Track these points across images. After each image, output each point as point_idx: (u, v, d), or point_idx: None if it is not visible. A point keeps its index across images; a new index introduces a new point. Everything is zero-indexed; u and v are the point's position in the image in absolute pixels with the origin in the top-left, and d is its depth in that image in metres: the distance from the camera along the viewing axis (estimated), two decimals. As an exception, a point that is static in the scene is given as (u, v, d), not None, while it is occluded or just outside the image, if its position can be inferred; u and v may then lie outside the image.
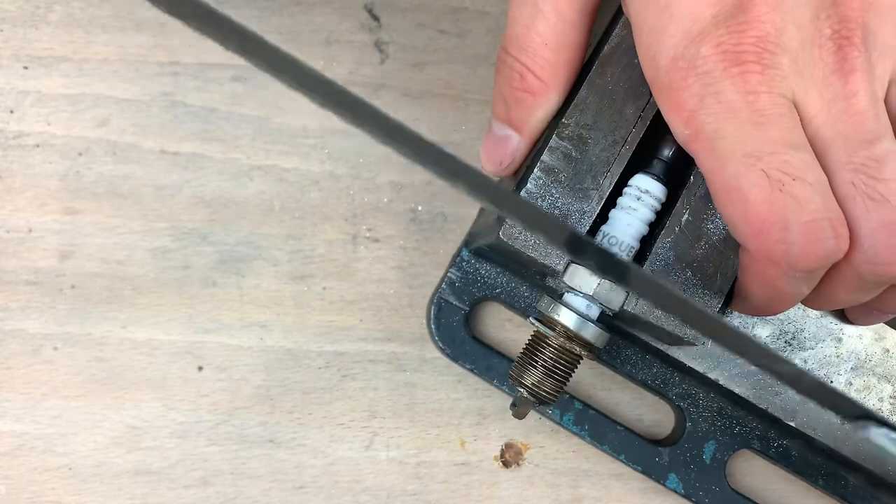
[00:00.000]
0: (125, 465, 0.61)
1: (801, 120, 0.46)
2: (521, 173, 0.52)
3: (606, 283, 0.50)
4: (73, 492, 0.61)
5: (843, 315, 0.58)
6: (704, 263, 0.51)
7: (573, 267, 0.50)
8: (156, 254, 0.62)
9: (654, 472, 0.61)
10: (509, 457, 0.63)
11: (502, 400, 0.63)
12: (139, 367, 0.62)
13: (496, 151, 0.54)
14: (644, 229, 0.51)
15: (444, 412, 0.63)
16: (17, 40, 0.62)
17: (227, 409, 0.62)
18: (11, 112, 0.61)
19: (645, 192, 0.51)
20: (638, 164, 0.52)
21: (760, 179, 0.44)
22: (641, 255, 0.51)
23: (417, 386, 0.63)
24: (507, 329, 0.63)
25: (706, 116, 0.45)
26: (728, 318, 0.57)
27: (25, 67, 0.62)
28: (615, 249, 0.51)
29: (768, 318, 0.57)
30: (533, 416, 0.62)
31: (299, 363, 0.62)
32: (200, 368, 0.62)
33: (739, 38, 0.45)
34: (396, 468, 0.62)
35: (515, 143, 0.54)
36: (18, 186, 0.61)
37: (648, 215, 0.51)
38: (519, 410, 0.53)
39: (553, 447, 0.63)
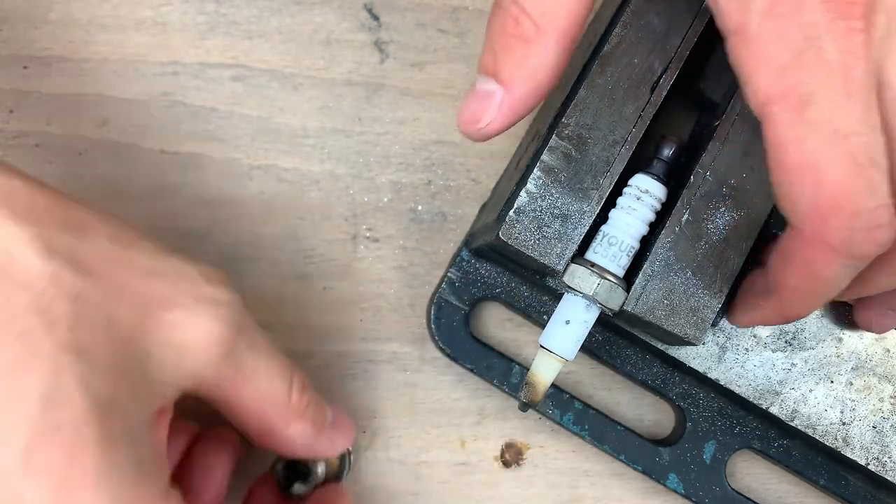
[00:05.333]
0: (125, 465, 0.61)
1: (881, 86, 0.43)
2: (523, 173, 0.52)
3: (606, 284, 0.50)
4: (73, 492, 0.61)
5: (847, 320, 0.57)
6: (704, 263, 0.51)
7: (573, 267, 0.50)
8: (156, 254, 0.62)
9: (655, 472, 0.61)
10: (509, 457, 0.63)
11: (502, 400, 0.63)
12: (139, 367, 0.61)
13: (476, 108, 0.47)
14: (644, 229, 0.51)
15: (444, 412, 0.63)
16: (17, 40, 0.62)
17: (228, 409, 0.62)
18: (11, 112, 0.61)
19: (645, 191, 0.51)
20: (638, 163, 0.52)
21: (844, 160, 0.41)
22: (641, 254, 0.51)
23: (417, 386, 0.63)
24: (508, 329, 0.63)
25: (804, 76, 0.41)
26: (724, 326, 0.57)
27: (25, 67, 0.62)
28: (615, 249, 0.51)
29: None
30: (533, 416, 0.62)
31: (299, 363, 0.62)
32: (200, 368, 0.62)
33: None
34: (396, 468, 0.62)
35: (499, 100, 0.47)
36: (18, 186, 0.61)
37: (648, 215, 0.51)
38: (529, 392, 0.53)
39: (553, 447, 0.63)
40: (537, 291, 0.60)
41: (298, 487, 0.58)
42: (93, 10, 0.62)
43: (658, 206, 0.52)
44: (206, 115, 0.62)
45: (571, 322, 0.51)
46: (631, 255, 0.51)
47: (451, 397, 0.63)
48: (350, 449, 0.60)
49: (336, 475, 0.59)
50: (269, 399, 0.50)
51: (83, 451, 0.41)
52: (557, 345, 0.51)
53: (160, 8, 0.62)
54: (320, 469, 0.59)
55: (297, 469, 0.58)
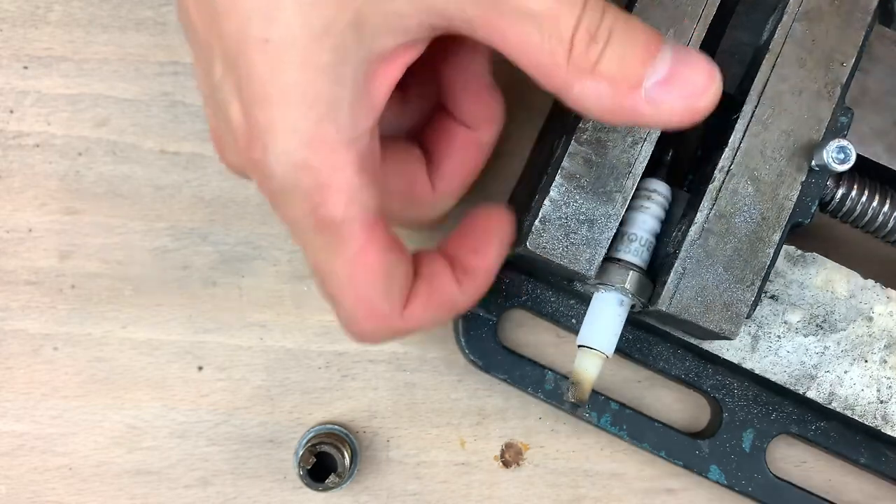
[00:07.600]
0: (125, 465, 0.61)
1: None
2: (543, 181, 0.53)
3: (636, 275, 0.51)
4: (74, 492, 0.61)
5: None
6: (735, 258, 0.51)
7: (603, 264, 0.51)
8: (156, 254, 0.62)
9: (696, 466, 0.61)
10: (509, 457, 0.63)
11: (502, 400, 0.63)
12: (139, 367, 0.61)
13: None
14: (658, 226, 0.52)
15: (444, 412, 0.63)
16: (17, 40, 0.61)
17: (227, 409, 0.62)
18: (11, 112, 0.61)
19: (654, 191, 0.53)
20: (653, 164, 0.53)
21: None
22: (672, 253, 0.52)
23: (417, 386, 0.63)
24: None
25: None
26: (754, 315, 0.58)
27: (25, 67, 0.61)
28: (636, 245, 0.51)
29: (797, 303, 0.58)
30: (533, 415, 0.63)
31: (299, 363, 0.62)
32: (200, 368, 0.62)
33: None
34: (396, 468, 0.63)
35: None
36: (18, 186, 0.61)
37: (659, 212, 0.53)
38: (576, 391, 0.53)
39: (553, 447, 0.63)
40: (563, 296, 0.60)
41: (333, 479, 0.59)
42: (93, 10, 0.62)
43: (666, 204, 0.53)
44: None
45: (607, 317, 0.52)
46: (650, 250, 0.52)
47: (451, 397, 0.63)
48: (356, 448, 0.61)
49: (340, 474, 0.59)
50: (540, 51, 0.42)
51: (285, 68, 0.42)
52: (597, 341, 0.52)
53: (160, 8, 0.62)
54: (346, 456, 0.60)
55: (324, 462, 0.59)
